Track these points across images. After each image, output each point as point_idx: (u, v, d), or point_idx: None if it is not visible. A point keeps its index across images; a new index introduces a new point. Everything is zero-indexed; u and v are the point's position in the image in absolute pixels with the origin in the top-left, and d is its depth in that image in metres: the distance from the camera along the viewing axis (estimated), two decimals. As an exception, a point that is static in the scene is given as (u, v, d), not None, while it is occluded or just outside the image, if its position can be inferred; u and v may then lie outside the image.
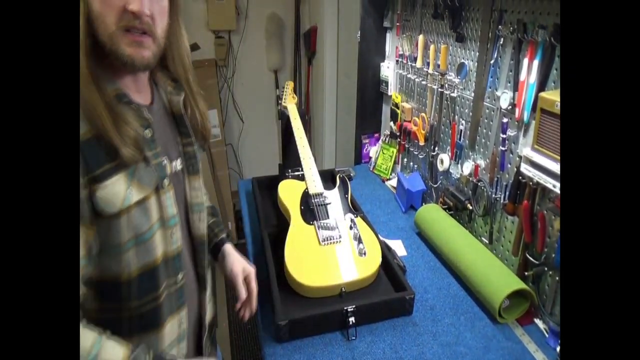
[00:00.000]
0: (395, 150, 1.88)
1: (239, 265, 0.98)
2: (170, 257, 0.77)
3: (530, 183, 1.06)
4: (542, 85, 1.02)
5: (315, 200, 1.37)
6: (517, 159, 1.13)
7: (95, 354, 0.63)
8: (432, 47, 1.50)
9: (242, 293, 0.96)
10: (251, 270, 1.00)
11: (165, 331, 0.78)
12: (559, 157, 0.92)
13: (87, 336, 0.64)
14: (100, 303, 0.70)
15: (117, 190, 0.65)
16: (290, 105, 1.75)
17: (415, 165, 1.74)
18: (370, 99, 2.02)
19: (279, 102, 1.82)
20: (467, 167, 1.36)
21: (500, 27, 1.15)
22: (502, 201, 1.21)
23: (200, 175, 0.86)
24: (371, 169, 2.00)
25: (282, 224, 1.41)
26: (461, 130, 1.40)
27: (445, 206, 1.47)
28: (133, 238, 0.69)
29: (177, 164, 0.80)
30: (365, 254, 1.19)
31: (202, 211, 0.86)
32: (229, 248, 1.00)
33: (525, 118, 1.08)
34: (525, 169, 1.03)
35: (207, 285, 0.90)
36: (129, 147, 0.65)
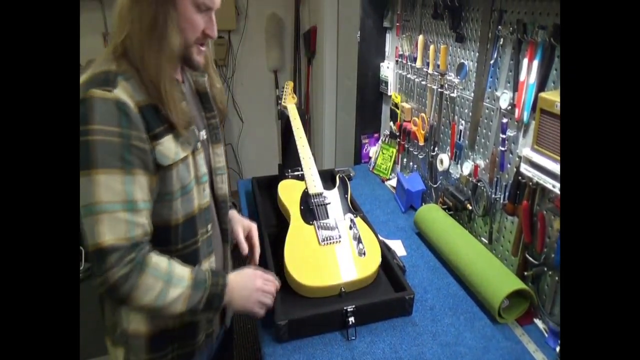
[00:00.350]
0: (394, 151, 1.88)
1: (240, 224, 1.14)
2: (202, 209, 0.91)
3: (530, 183, 1.06)
4: (541, 86, 1.02)
5: (315, 200, 1.37)
6: (517, 159, 1.13)
7: (171, 270, 0.81)
8: (431, 47, 1.50)
9: (244, 249, 1.12)
10: (252, 225, 1.16)
11: None
12: (558, 158, 0.92)
13: (161, 259, 0.81)
14: (152, 247, 0.82)
15: (170, 147, 0.81)
16: (290, 105, 1.75)
17: (415, 166, 1.74)
18: (370, 99, 2.02)
19: (279, 102, 1.82)
20: (467, 167, 1.36)
21: (500, 27, 1.15)
22: (501, 201, 1.22)
23: (222, 144, 1.03)
24: (371, 169, 2.00)
25: (281, 223, 1.41)
26: (461, 131, 1.40)
27: (445, 206, 1.47)
28: (180, 189, 0.84)
29: (203, 134, 0.94)
30: (364, 254, 1.19)
31: (223, 174, 1.02)
32: (232, 213, 1.12)
33: (525, 118, 1.08)
34: (525, 169, 1.03)
35: (228, 239, 1.06)
36: (179, 116, 0.81)
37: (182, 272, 0.83)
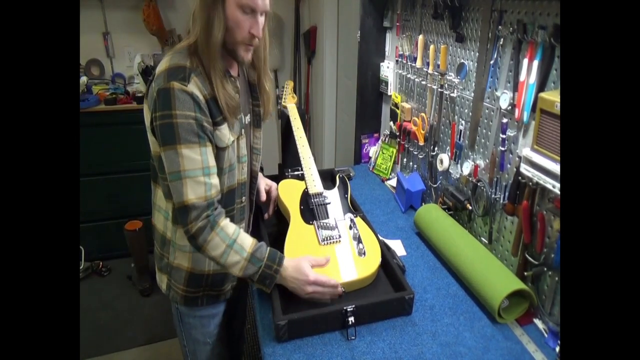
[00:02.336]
0: (394, 150, 1.88)
1: (263, 180, 1.42)
2: (240, 184, 1.13)
3: (530, 183, 1.06)
4: (541, 86, 1.02)
5: (315, 200, 1.37)
6: (517, 159, 1.13)
7: (236, 236, 1.00)
8: (431, 47, 1.50)
9: (262, 196, 1.38)
10: (273, 184, 1.44)
11: None
12: (558, 158, 0.92)
13: (230, 225, 1.00)
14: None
15: (225, 133, 1.02)
16: (290, 104, 1.75)
17: (415, 165, 1.74)
18: (370, 98, 2.02)
19: (279, 101, 1.82)
20: (467, 167, 1.36)
21: (500, 27, 1.15)
22: (501, 201, 1.22)
23: (261, 128, 1.23)
24: (371, 169, 2.00)
25: (281, 223, 1.41)
26: (461, 131, 1.40)
27: (445, 206, 1.47)
28: (228, 166, 1.06)
29: (248, 118, 1.15)
30: (364, 253, 1.19)
31: (259, 154, 1.24)
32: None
33: (525, 118, 1.08)
34: (525, 169, 1.03)
35: (253, 209, 1.30)
36: (230, 112, 1.00)
37: (245, 241, 1.01)
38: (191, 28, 0.97)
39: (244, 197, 1.16)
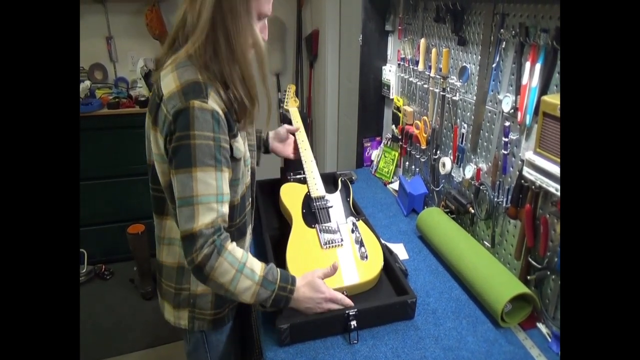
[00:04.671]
0: (397, 154, 1.88)
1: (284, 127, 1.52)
2: (247, 187, 1.11)
3: (533, 187, 1.05)
4: (544, 89, 1.02)
5: (317, 203, 1.37)
6: (520, 162, 1.12)
7: (245, 260, 0.93)
8: (433, 50, 1.50)
9: (282, 134, 1.50)
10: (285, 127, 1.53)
11: (247, 238, 1.13)
12: (561, 161, 0.92)
13: (237, 249, 0.94)
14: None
15: (241, 143, 1.00)
16: (292, 108, 1.75)
17: (417, 169, 1.74)
18: (372, 102, 2.02)
19: (281, 105, 1.82)
20: (469, 171, 1.35)
21: (502, 30, 1.15)
22: (504, 205, 1.21)
23: (254, 125, 1.16)
24: (373, 173, 2.00)
25: (283, 227, 1.41)
26: (463, 134, 1.40)
27: (447, 210, 1.46)
28: (242, 175, 1.04)
29: None
30: (366, 257, 1.19)
31: (254, 150, 1.18)
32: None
33: (528, 122, 1.08)
34: (528, 172, 1.03)
35: (254, 205, 1.24)
36: (241, 124, 0.99)
37: (255, 265, 0.95)
38: (191, 36, 0.89)
39: (250, 199, 1.15)
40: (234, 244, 0.94)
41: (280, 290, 0.96)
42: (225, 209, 0.92)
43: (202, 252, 0.87)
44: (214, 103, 0.88)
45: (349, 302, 1.04)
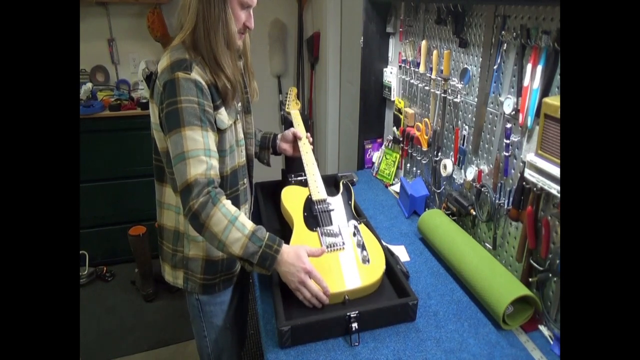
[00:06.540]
0: (398, 156, 1.88)
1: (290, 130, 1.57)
2: (241, 166, 1.23)
3: (534, 189, 1.05)
4: (545, 91, 1.02)
5: (319, 206, 1.36)
6: (521, 164, 1.12)
7: (237, 215, 1.03)
8: (435, 52, 1.50)
9: (289, 136, 1.54)
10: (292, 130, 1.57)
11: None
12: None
13: (232, 205, 1.04)
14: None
15: (224, 115, 1.11)
16: (294, 111, 1.75)
17: (418, 171, 1.74)
18: (373, 104, 2.02)
19: (283, 107, 1.82)
20: (471, 173, 1.35)
21: (503, 32, 1.15)
22: (505, 207, 1.21)
23: (252, 114, 1.31)
24: (374, 174, 1.99)
25: (285, 230, 1.40)
26: (464, 136, 1.40)
27: (449, 212, 1.46)
28: (229, 148, 1.15)
29: (239, 106, 1.23)
30: (368, 261, 1.18)
31: (252, 138, 1.32)
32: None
33: (529, 123, 1.07)
34: (529, 174, 1.03)
35: (253, 192, 1.40)
36: (233, 88, 1.10)
37: (246, 221, 1.04)
38: (184, 23, 1.05)
39: (245, 179, 1.26)
40: (229, 201, 1.05)
41: (266, 247, 1.04)
42: (215, 162, 1.04)
43: (198, 200, 0.98)
44: (197, 75, 1.03)
45: (326, 284, 1.06)
